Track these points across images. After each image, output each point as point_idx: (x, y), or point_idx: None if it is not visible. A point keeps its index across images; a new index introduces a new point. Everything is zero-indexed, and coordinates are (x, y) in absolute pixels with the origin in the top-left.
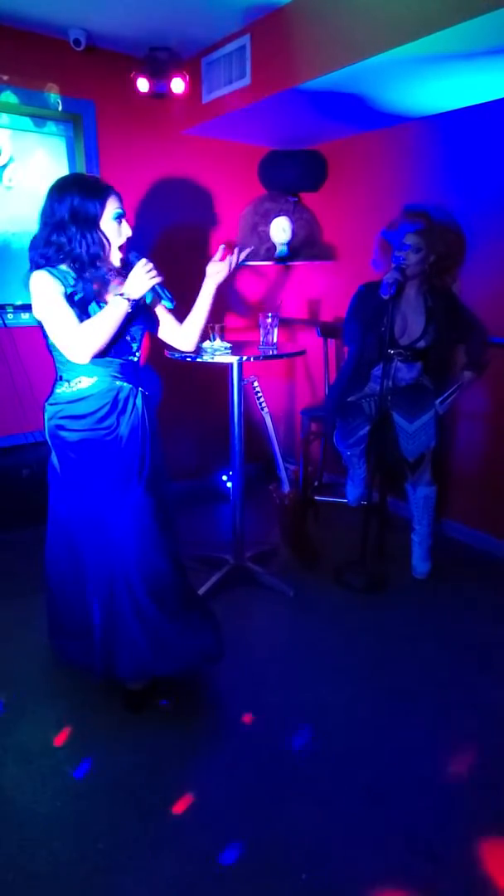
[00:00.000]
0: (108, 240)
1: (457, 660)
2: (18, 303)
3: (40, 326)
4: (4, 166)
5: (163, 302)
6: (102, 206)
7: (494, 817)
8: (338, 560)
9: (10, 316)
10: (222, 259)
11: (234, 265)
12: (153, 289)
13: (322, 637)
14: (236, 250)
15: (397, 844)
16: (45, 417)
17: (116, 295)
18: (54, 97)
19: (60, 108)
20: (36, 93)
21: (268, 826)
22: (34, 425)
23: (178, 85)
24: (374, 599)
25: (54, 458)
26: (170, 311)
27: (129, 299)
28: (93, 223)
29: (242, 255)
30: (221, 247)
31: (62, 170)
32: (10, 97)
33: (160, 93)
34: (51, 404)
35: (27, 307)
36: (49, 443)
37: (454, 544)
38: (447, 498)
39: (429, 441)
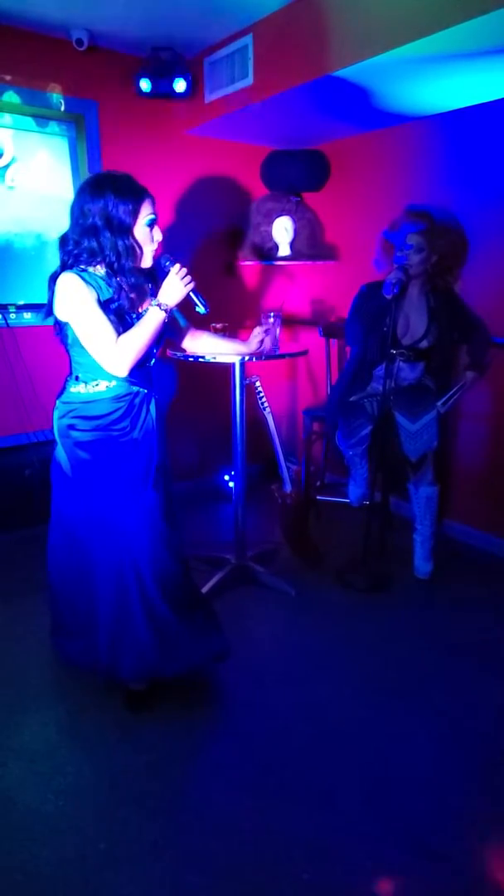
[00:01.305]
0: (140, 247)
1: (458, 660)
2: (21, 302)
3: (58, 326)
4: (7, 167)
5: (196, 309)
6: (137, 212)
7: (495, 818)
8: (340, 560)
9: (12, 316)
10: (267, 330)
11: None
12: (186, 295)
13: (323, 637)
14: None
15: (398, 844)
16: (56, 415)
17: (153, 304)
18: (57, 97)
19: (63, 109)
20: (38, 93)
21: (269, 826)
22: (36, 425)
23: (180, 85)
24: (375, 599)
25: (62, 457)
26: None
27: (166, 309)
28: (126, 230)
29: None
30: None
31: (65, 170)
32: (12, 97)
33: (162, 93)
34: (63, 402)
35: (29, 307)
36: (58, 440)
37: (456, 544)
38: (450, 498)
39: (431, 441)
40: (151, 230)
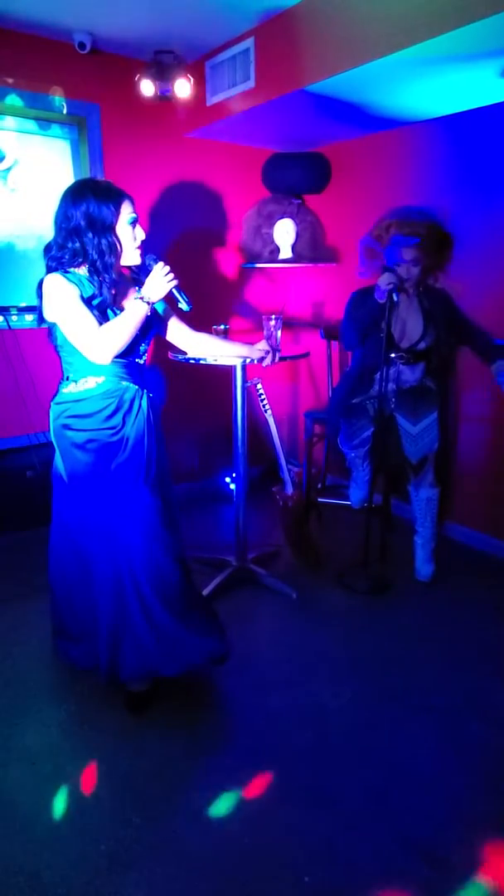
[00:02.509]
0: (121, 245)
1: (460, 662)
2: (22, 304)
3: (50, 328)
4: (9, 169)
5: (179, 305)
6: (117, 212)
7: (496, 820)
8: (341, 562)
9: (14, 318)
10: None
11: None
12: (170, 291)
13: (325, 639)
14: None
15: (400, 847)
16: (51, 417)
17: (136, 298)
18: (59, 100)
19: (65, 111)
20: (41, 96)
21: (271, 828)
22: (38, 427)
23: (182, 88)
24: (376, 602)
25: (58, 459)
26: (185, 312)
27: (148, 302)
28: (109, 229)
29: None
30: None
31: (67, 173)
32: (14, 100)
33: (164, 95)
34: (56, 403)
35: (31, 309)
36: (54, 442)
37: (457, 546)
38: (451, 500)
39: (432, 444)
40: (133, 228)
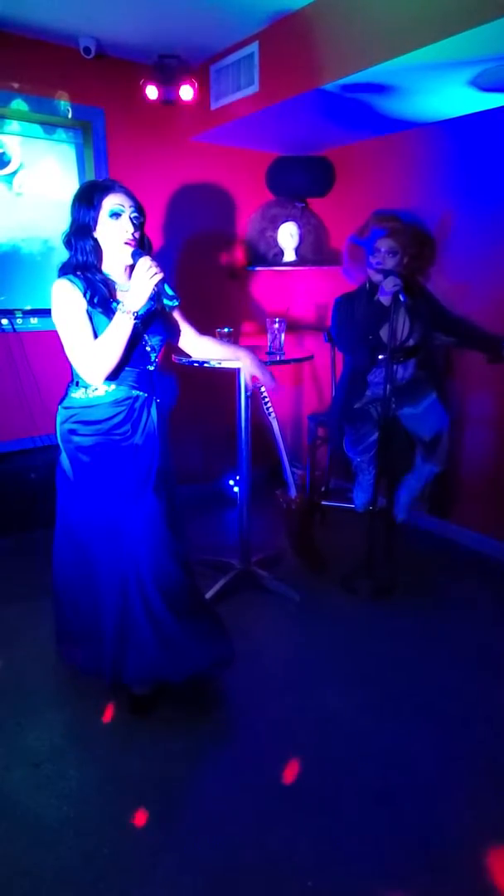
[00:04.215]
0: (98, 243)
1: (464, 666)
2: (27, 307)
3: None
4: (14, 173)
5: (164, 300)
6: (97, 210)
7: (500, 824)
8: (344, 565)
9: (18, 321)
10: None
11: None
12: (156, 289)
13: (328, 642)
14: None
15: (403, 852)
16: (58, 420)
17: (120, 311)
18: (64, 104)
19: (70, 116)
20: (46, 100)
21: (273, 832)
22: (42, 429)
23: (186, 92)
24: (380, 605)
25: (65, 462)
26: (176, 308)
27: (130, 312)
28: (85, 231)
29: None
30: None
31: (72, 177)
32: (20, 104)
33: (169, 100)
34: (65, 408)
35: (36, 312)
36: (61, 446)
37: (461, 549)
38: (454, 502)
39: (441, 420)
40: (116, 220)
